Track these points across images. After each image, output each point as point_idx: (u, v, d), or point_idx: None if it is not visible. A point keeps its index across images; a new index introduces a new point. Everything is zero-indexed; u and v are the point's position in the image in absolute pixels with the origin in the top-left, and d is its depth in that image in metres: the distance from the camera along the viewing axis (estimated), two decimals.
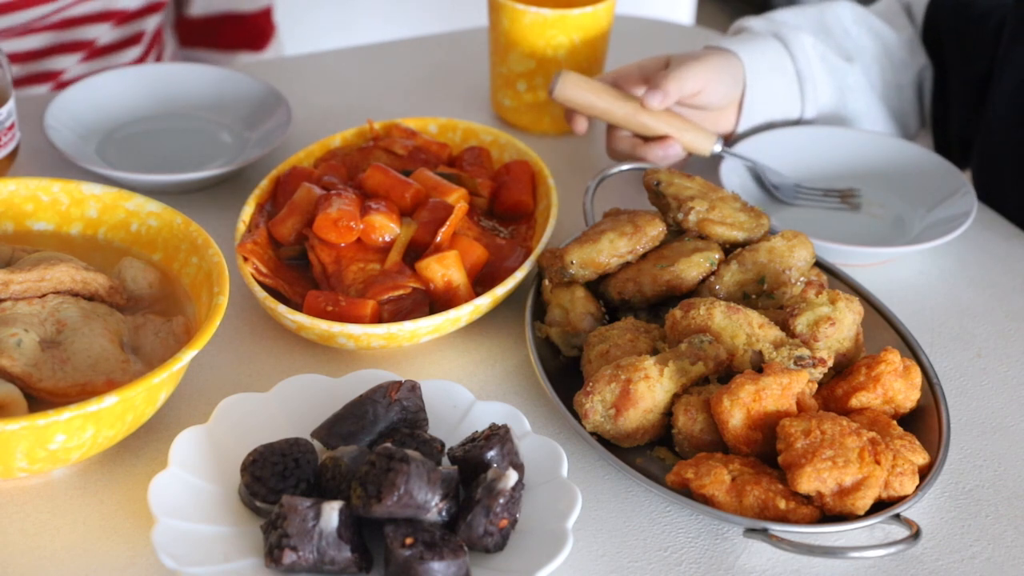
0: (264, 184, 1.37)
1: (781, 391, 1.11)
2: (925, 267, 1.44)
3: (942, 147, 1.65)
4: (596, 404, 1.13)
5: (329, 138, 1.46)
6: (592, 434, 1.15)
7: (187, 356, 1.09)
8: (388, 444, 1.03)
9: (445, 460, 1.09)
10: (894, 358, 1.16)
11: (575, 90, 1.44)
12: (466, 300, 1.25)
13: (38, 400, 1.11)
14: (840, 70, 1.54)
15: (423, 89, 1.73)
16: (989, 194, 1.54)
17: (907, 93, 1.60)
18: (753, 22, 1.56)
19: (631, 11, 1.99)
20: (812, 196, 1.49)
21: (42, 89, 1.83)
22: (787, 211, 1.48)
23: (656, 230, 1.28)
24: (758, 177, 1.50)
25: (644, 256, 1.28)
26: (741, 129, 1.52)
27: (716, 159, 1.48)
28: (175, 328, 1.18)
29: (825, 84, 1.53)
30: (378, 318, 1.24)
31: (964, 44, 1.58)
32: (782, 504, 1.07)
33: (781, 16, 1.57)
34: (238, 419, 1.12)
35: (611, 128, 1.48)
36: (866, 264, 1.41)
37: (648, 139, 1.46)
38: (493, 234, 1.35)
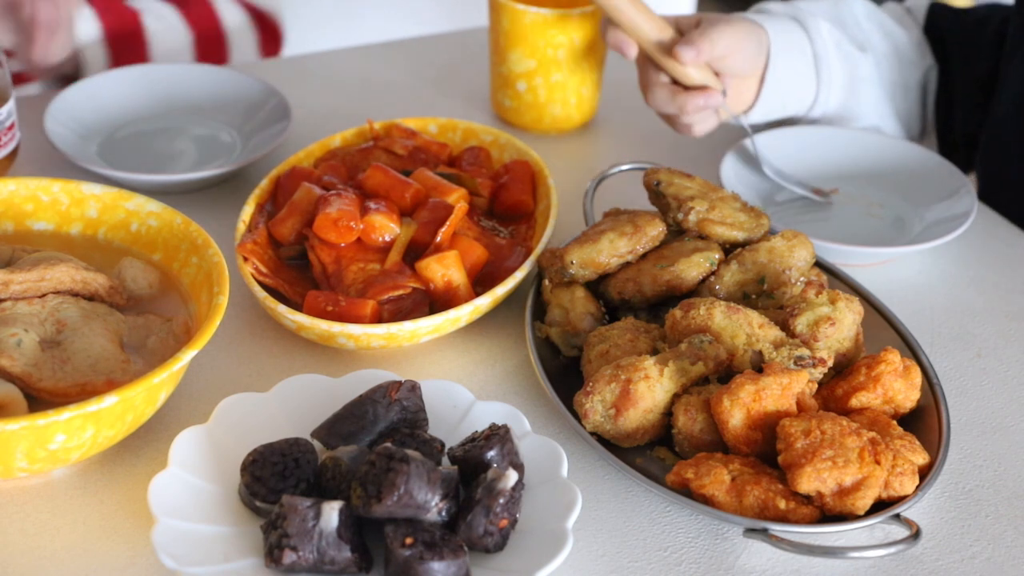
0: (264, 184, 1.37)
1: (781, 391, 1.11)
2: (925, 267, 1.44)
3: (946, 149, 1.65)
4: (596, 404, 1.13)
5: (329, 138, 1.46)
6: (592, 434, 1.14)
7: (187, 356, 1.09)
8: (388, 444, 1.03)
9: (445, 460, 1.09)
10: (894, 358, 1.16)
11: None
12: (466, 300, 1.25)
13: (38, 400, 1.11)
14: (853, 58, 1.54)
15: (423, 89, 1.73)
16: (994, 196, 1.54)
17: (913, 94, 1.60)
18: (772, 4, 1.57)
19: None
20: (787, 179, 1.50)
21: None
22: (788, 210, 1.48)
23: (656, 230, 1.28)
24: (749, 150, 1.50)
25: (644, 256, 1.28)
26: (759, 108, 1.50)
27: (717, 156, 1.48)
28: (175, 328, 1.18)
29: (839, 70, 1.53)
30: (378, 318, 1.24)
31: (966, 47, 1.58)
32: (782, 504, 1.07)
33: (798, 2, 1.57)
34: (238, 419, 1.12)
35: (647, 76, 1.46)
36: (866, 264, 1.41)
37: (688, 88, 1.44)
38: (493, 234, 1.35)
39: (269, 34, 1.92)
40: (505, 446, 1.06)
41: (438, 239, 1.29)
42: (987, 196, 1.57)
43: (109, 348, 1.14)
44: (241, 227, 1.31)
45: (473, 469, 1.05)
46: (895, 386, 1.16)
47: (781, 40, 1.49)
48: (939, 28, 1.61)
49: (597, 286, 1.29)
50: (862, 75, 1.55)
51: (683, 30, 1.46)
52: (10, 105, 1.41)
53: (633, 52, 1.44)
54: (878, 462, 1.07)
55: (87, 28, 1.64)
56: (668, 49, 1.42)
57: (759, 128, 1.55)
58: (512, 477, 1.02)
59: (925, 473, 1.12)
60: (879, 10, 1.61)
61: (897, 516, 1.08)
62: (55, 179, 1.28)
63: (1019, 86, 1.51)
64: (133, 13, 1.69)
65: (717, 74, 1.44)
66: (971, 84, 1.59)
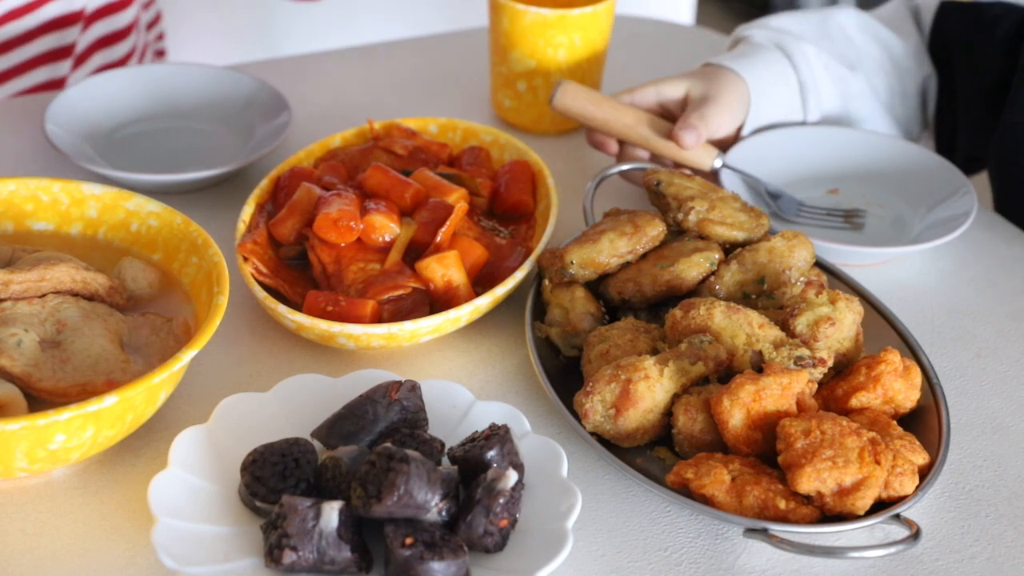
0: (264, 184, 1.37)
1: (781, 391, 1.11)
2: (925, 267, 1.44)
3: (944, 154, 1.64)
4: (596, 404, 1.13)
5: (329, 138, 1.46)
6: (592, 434, 1.14)
7: (187, 356, 1.09)
8: (388, 444, 1.03)
9: (445, 460, 1.09)
10: (894, 358, 1.16)
11: (574, 100, 1.45)
12: (466, 300, 1.25)
13: (38, 400, 1.11)
14: (843, 78, 1.54)
15: (423, 89, 1.73)
16: (1008, 205, 1.53)
17: (911, 101, 1.60)
18: (754, 31, 1.56)
19: (631, 11, 1.99)
20: (815, 215, 1.47)
21: None
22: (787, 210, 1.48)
23: (656, 230, 1.28)
24: (756, 190, 1.49)
25: (644, 256, 1.28)
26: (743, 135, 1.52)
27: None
28: (175, 328, 1.18)
29: (829, 93, 1.53)
30: (378, 318, 1.24)
31: (973, 54, 1.57)
32: (782, 504, 1.07)
33: (783, 24, 1.56)
34: (238, 419, 1.12)
35: (623, 148, 1.49)
36: (866, 264, 1.41)
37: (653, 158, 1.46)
38: (493, 234, 1.35)
39: None
40: (505, 446, 1.06)
41: (438, 239, 1.29)
42: (1000, 208, 1.56)
43: (109, 348, 1.14)
44: (241, 227, 1.31)
45: (473, 469, 1.05)
46: (895, 386, 1.16)
47: (762, 82, 1.49)
48: (946, 32, 1.60)
49: (597, 286, 1.29)
50: (854, 93, 1.55)
51: (668, 107, 1.48)
52: None
53: (614, 148, 1.48)
54: (878, 462, 1.07)
55: None
56: (641, 128, 1.44)
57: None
58: (512, 477, 1.02)
59: (925, 473, 1.12)
60: (873, 20, 1.60)
61: (897, 516, 1.08)
62: (55, 179, 1.28)
63: None
64: None
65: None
66: (976, 94, 1.57)
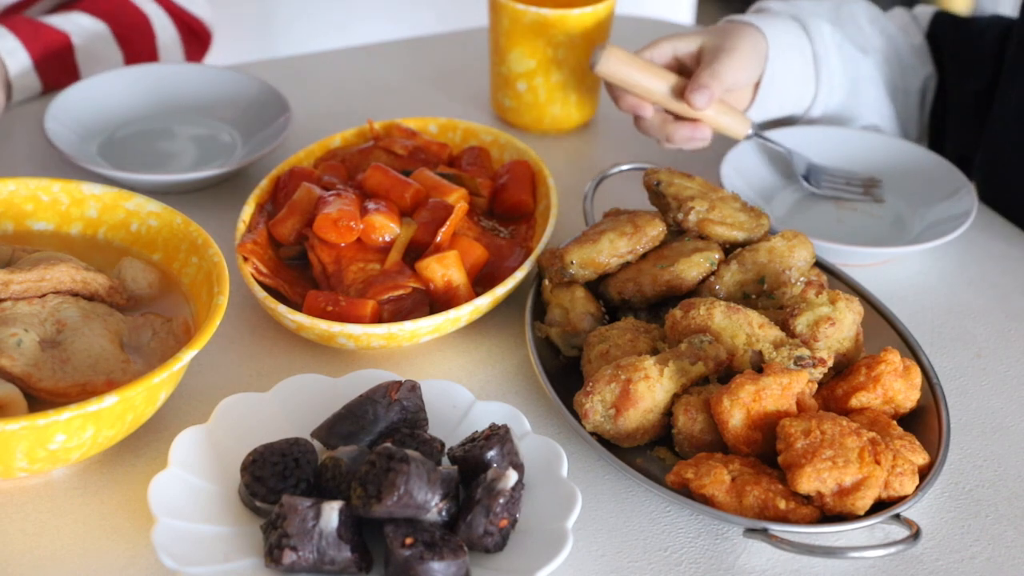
0: (264, 184, 1.37)
1: (781, 391, 1.11)
2: (925, 267, 1.44)
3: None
4: (596, 404, 1.13)
5: (329, 138, 1.46)
6: (592, 434, 1.14)
7: (187, 356, 1.09)
8: (388, 444, 1.03)
9: (445, 460, 1.09)
10: (894, 358, 1.16)
11: (618, 65, 1.43)
12: (466, 300, 1.25)
13: (38, 400, 1.11)
14: (854, 60, 1.54)
15: (423, 89, 1.73)
16: (996, 207, 1.54)
17: (912, 99, 1.60)
18: (773, 3, 1.56)
19: (631, 11, 1.99)
20: (835, 183, 1.50)
21: None
22: (787, 211, 1.48)
23: (656, 230, 1.28)
24: (778, 160, 1.50)
25: (644, 256, 1.28)
26: (753, 111, 1.51)
27: (717, 156, 1.48)
28: (175, 328, 1.18)
29: (840, 71, 1.53)
30: (378, 318, 1.24)
31: (963, 59, 1.58)
32: (782, 504, 1.06)
33: (800, 2, 1.57)
34: (238, 419, 1.12)
35: (639, 119, 1.48)
36: (866, 264, 1.41)
37: (678, 118, 1.46)
38: (493, 234, 1.35)
39: (199, 44, 1.89)
40: (505, 446, 1.06)
41: (438, 239, 1.29)
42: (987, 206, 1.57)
43: (109, 348, 1.14)
44: (241, 227, 1.31)
45: (473, 469, 1.05)
46: (895, 386, 1.16)
47: (780, 42, 1.49)
48: (938, 38, 1.61)
49: (597, 286, 1.29)
50: (863, 75, 1.55)
51: (683, 61, 1.47)
52: None
53: (649, 112, 1.46)
54: (878, 462, 1.07)
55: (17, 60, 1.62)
56: (678, 93, 1.43)
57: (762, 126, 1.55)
58: (512, 477, 1.02)
59: (925, 473, 1.12)
60: (882, 15, 1.61)
61: (897, 516, 1.08)
62: (55, 179, 1.28)
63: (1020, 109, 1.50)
64: (64, 36, 1.67)
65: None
66: (967, 98, 1.58)
